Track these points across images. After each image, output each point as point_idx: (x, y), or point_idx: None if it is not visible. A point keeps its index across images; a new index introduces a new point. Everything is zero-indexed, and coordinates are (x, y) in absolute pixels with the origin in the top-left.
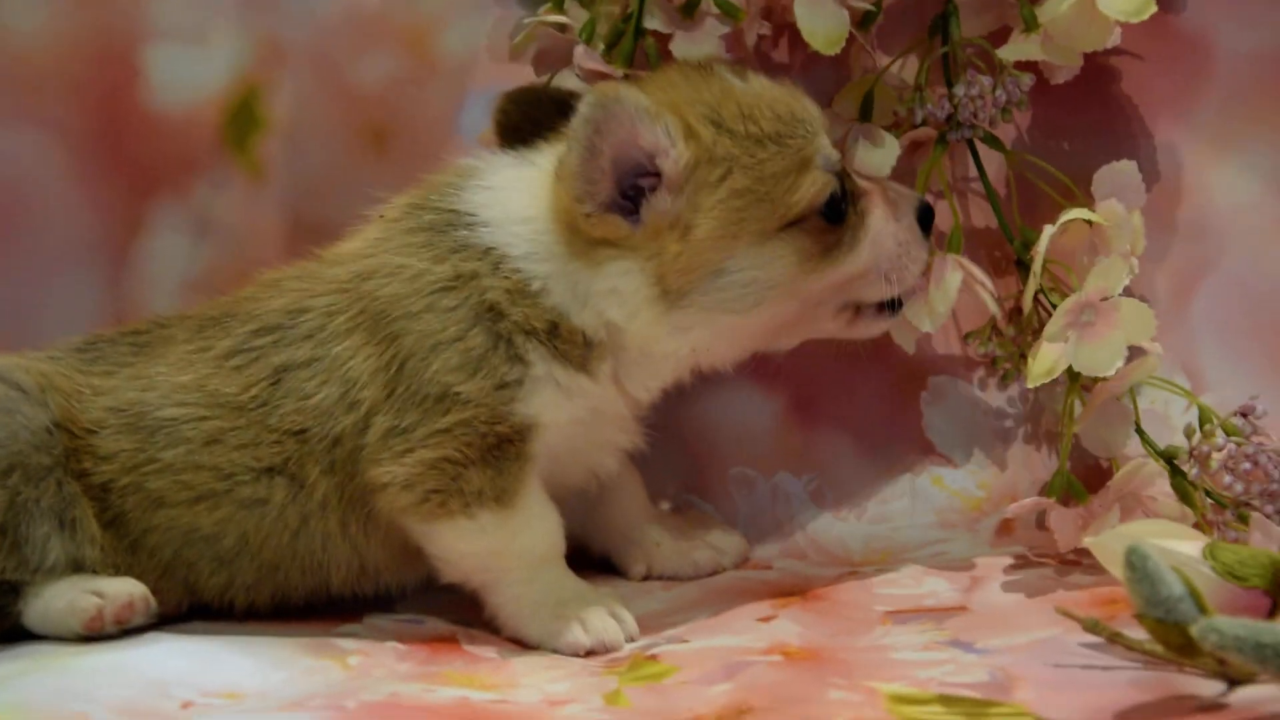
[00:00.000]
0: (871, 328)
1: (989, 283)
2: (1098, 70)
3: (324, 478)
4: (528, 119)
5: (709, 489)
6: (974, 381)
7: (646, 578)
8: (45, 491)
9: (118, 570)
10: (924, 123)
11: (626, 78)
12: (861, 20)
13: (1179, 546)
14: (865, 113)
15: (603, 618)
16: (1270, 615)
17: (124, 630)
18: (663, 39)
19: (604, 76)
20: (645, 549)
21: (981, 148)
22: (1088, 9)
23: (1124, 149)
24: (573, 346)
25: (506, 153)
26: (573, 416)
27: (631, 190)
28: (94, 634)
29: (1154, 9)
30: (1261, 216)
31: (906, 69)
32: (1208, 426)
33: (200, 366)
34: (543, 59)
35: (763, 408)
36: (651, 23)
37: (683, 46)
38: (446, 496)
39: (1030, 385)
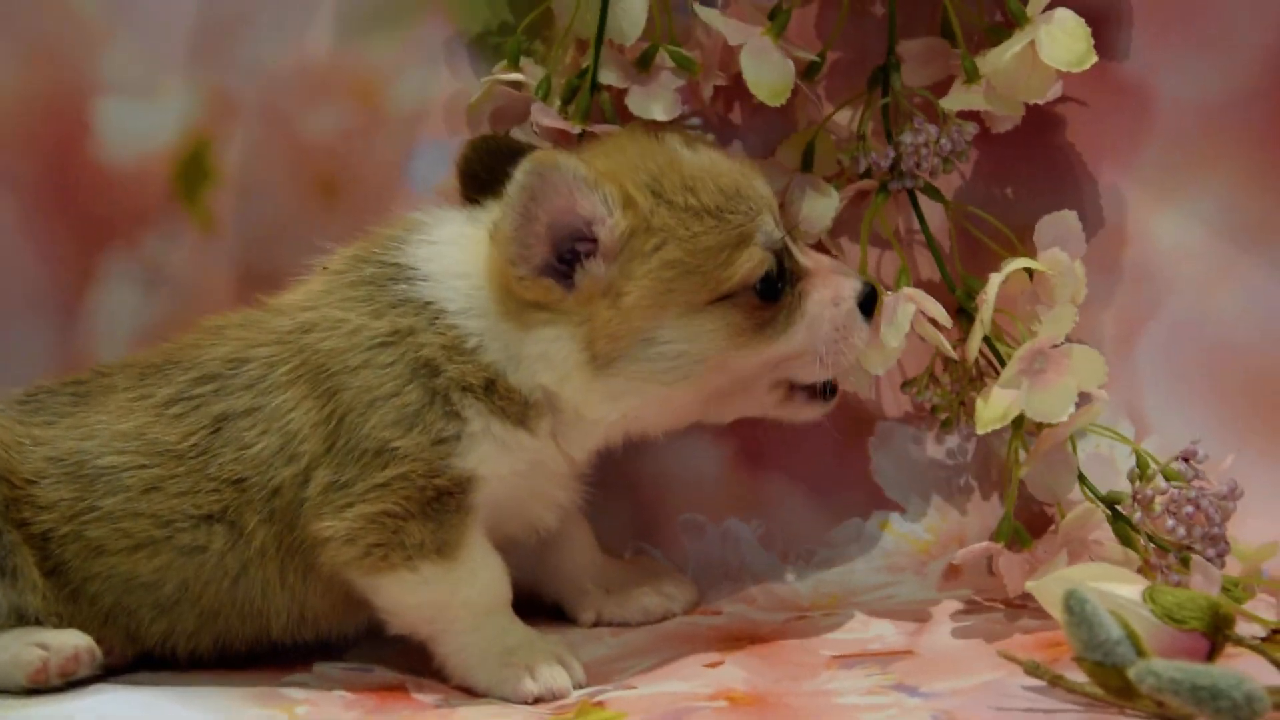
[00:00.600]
0: (802, 412)
1: (942, 313)
2: (1040, 118)
3: (262, 526)
4: (488, 167)
5: (658, 535)
6: (921, 427)
7: (596, 624)
8: None
9: (60, 618)
10: (866, 172)
11: (583, 134)
12: (805, 70)
13: (1118, 590)
14: (807, 163)
15: (550, 665)
16: (1208, 658)
17: (68, 682)
18: (619, 94)
19: (562, 133)
20: (594, 596)
21: (922, 199)
22: (1029, 60)
23: (1067, 196)
24: (510, 403)
25: (454, 208)
26: (512, 468)
27: (568, 255)
28: (38, 686)
29: (1094, 59)
30: (1205, 262)
31: (850, 120)
32: (1149, 470)
33: (140, 414)
34: (499, 117)
35: (712, 454)
36: (607, 77)
37: (638, 101)
38: (388, 550)
39: (980, 431)
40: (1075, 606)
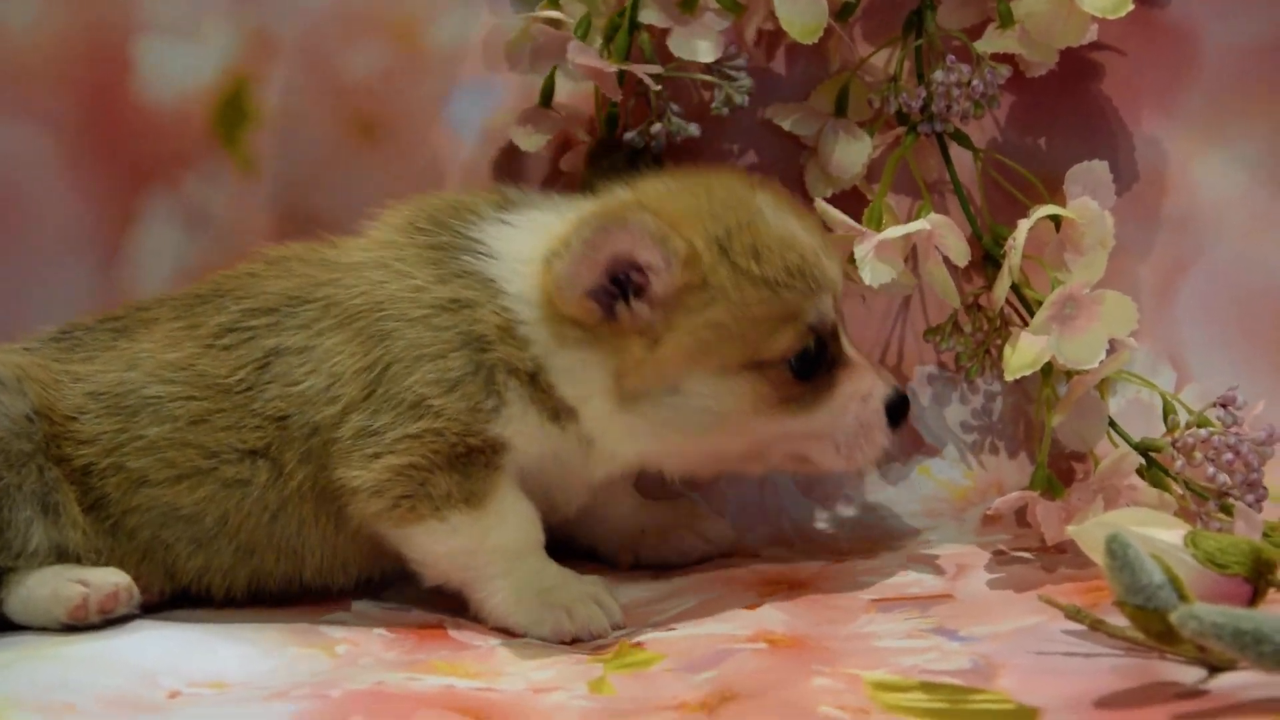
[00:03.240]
0: (819, 471)
1: (962, 248)
2: (1078, 64)
3: (300, 466)
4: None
5: (697, 479)
6: (960, 372)
7: (634, 567)
8: (26, 477)
9: (98, 555)
10: (897, 113)
11: (621, 74)
12: (840, 11)
13: (1160, 534)
14: (841, 108)
15: (588, 605)
16: (1250, 602)
17: (107, 620)
18: (660, 34)
19: (599, 72)
20: (632, 538)
21: (952, 147)
22: (1065, 4)
23: (1105, 143)
24: (549, 399)
25: (544, 194)
26: (541, 453)
27: (620, 282)
28: (77, 623)
29: (1131, 5)
30: (1247, 209)
31: (886, 64)
32: (1189, 418)
33: (188, 344)
34: (538, 54)
35: None
36: (648, 17)
37: (680, 42)
38: (415, 501)
39: (1009, 378)
40: (1117, 551)
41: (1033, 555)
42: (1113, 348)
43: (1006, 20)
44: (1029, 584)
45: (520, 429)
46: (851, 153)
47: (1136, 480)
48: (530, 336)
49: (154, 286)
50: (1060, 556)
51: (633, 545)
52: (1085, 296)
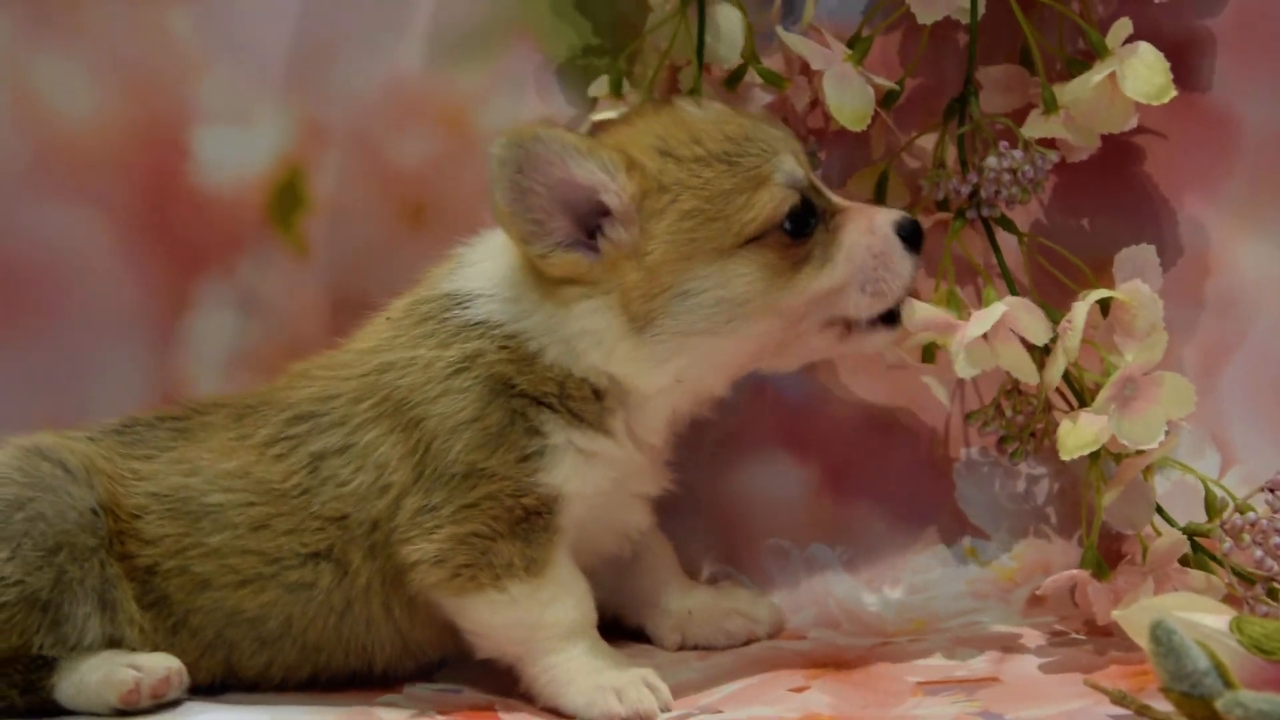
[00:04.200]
0: (865, 343)
1: (1041, 326)
2: (1120, 149)
3: (366, 562)
4: None
5: (744, 560)
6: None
7: (681, 648)
8: (89, 572)
9: (156, 650)
10: (944, 200)
11: None
12: (884, 99)
13: (1205, 620)
14: (880, 194)
15: (638, 687)
16: None
17: (158, 704)
18: None
19: None
20: (679, 619)
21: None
22: (1108, 91)
23: (1148, 226)
24: (585, 404)
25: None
26: (597, 487)
27: (594, 228)
28: (129, 708)
29: (1174, 93)
30: None
31: (933, 148)
32: (1218, 504)
33: (243, 454)
34: None
35: (796, 479)
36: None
37: None
38: (477, 570)
39: (1065, 457)
40: (1162, 636)
41: (1079, 638)
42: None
43: (1051, 106)
44: (1075, 668)
45: (571, 469)
46: None
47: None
48: (541, 347)
49: (208, 370)
50: (1107, 640)
51: (680, 626)
52: (1144, 378)
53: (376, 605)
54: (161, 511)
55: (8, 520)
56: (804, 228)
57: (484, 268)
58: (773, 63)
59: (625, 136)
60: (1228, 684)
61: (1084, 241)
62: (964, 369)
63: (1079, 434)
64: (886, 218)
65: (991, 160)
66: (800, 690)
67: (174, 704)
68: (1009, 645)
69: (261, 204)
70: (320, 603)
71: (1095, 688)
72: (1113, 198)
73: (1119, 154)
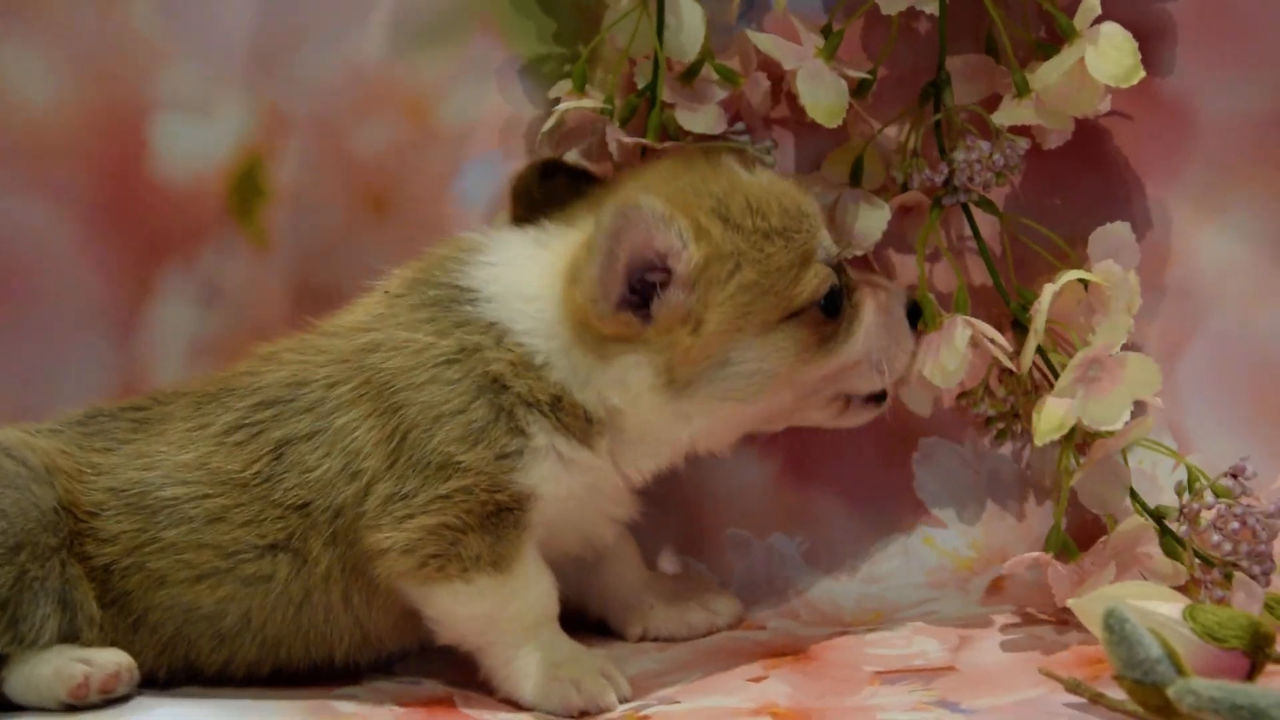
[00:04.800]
0: (859, 417)
1: (1000, 337)
2: (1087, 134)
3: (326, 550)
4: (543, 189)
5: (704, 550)
6: (964, 442)
7: (642, 639)
8: (50, 572)
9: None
10: (919, 188)
11: (645, 151)
12: (857, 88)
13: (1158, 608)
14: (856, 178)
15: (595, 679)
16: (1248, 677)
17: (107, 699)
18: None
19: (633, 150)
20: (641, 611)
21: (975, 211)
22: (1078, 74)
23: (1115, 210)
24: (575, 419)
25: (510, 230)
26: (570, 491)
27: (640, 286)
28: (78, 702)
29: (1142, 74)
30: (1248, 278)
31: (900, 134)
32: (1197, 486)
33: (201, 444)
34: (566, 138)
35: (757, 470)
36: (666, 95)
37: (686, 116)
38: (445, 561)
39: (1038, 443)
40: (1115, 624)
41: (1037, 627)
42: (1135, 410)
43: (1022, 90)
44: (1031, 656)
45: (547, 471)
46: (871, 221)
47: (1153, 549)
48: (551, 364)
49: (170, 360)
50: (1064, 628)
51: (642, 618)
52: (1109, 359)
53: (336, 594)
54: (119, 507)
55: None
56: (837, 307)
57: (509, 274)
58: (728, 57)
59: (680, 194)
60: (1180, 671)
61: (1054, 225)
62: (940, 381)
63: (1048, 417)
64: (899, 299)
65: (960, 154)
66: (758, 680)
67: (124, 699)
68: (966, 634)
69: (222, 193)
70: (278, 595)
71: (1050, 675)
72: (1080, 182)
73: (1084, 139)
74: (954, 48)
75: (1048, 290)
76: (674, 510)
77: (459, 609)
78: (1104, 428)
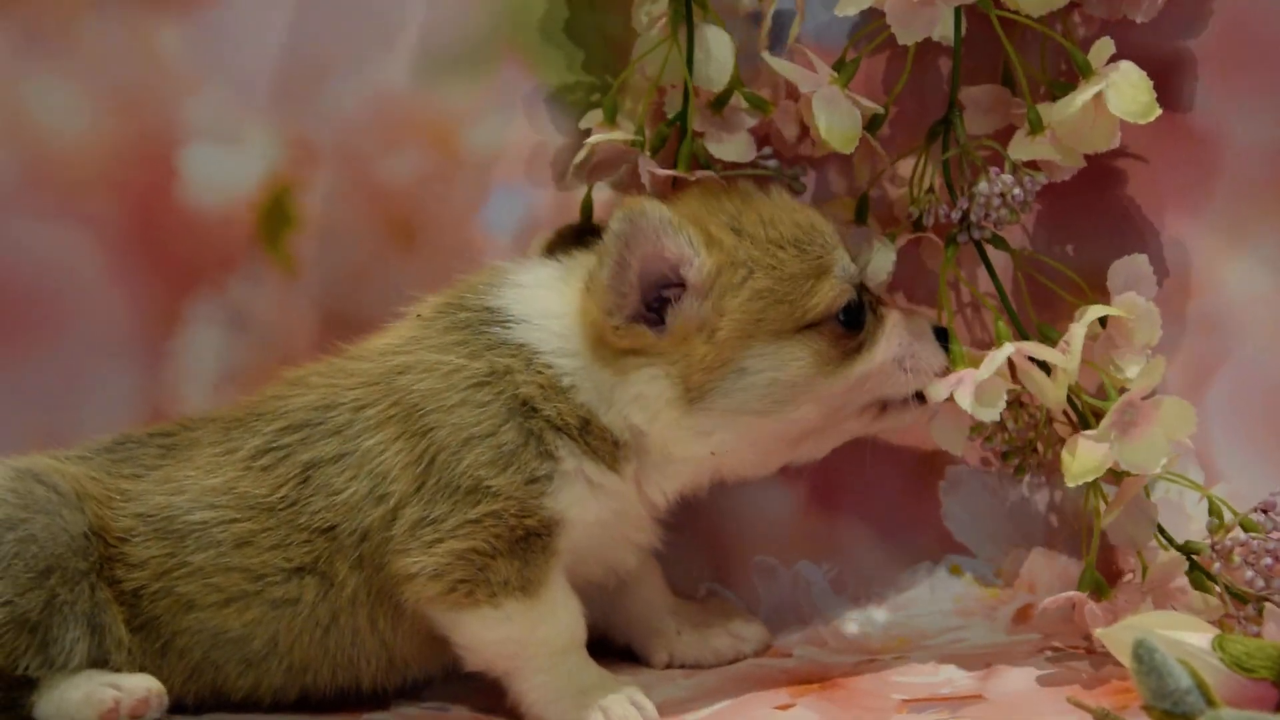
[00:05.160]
0: (901, 418)
1: (1051, 351)
2: (1104, 168)
3: (353, 573)
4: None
5: (731, 577)
6: (991, 470)
7: (669, 665)
8: (80, 596)
9: (144, 673)
10: (932, 225)
11: (675, 182)
12: (869, 122)
13: (1187, 638)
14: (861, 215)
15: (623, 705)
16: (1277, 707)
17: None
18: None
19: (667, 182)
20: (667, 638)
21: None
22: (1093, 111)
23: (1132, 245)
24: (603, 443)
25: (536, 257)
26: (598, 516)
27: (655, 300)
28: None
29: (1159, 111)
30: (1274, 309)
31: (914, 172)
32: (1227, 520)
33: (228, 469)
34: (596, 170)
35: (784, 497)
36: (697, 124)
37: (716, 145)
38: (474, 586)
39: (1070, 484)
40: (1144, 654)
41: (1065, 656)
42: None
43: (1036, 126)
44: (1059, 684)
45: (576, 496)
46: (879, 260)
47: (1187, 584)
48: (577, 385)
49: (199, 387)
50: (1093, 658)
51: (668, 644)
52: (1144, 402)
53: (362, 618)
54: (147, 533)
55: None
56: (858, 322)
57: (537, 296)
58: (758, 86)
59: (694, 209)
60: (1210, 702)
61: (1070, 261)
62: (982, 412)
63: (1082, 460)
64: (923, 317)
65: (982, 185)
66: (786, 708)
67: None
68: (994, 663)
69: (251, 222)
70: (305, 618)
71: (1078, 704)
72: (1099, 217)
73: (1102, 174)
74: (970, 81)
75: (1076, 328)
76: (701, 538)
77: (487, 634)
78: (1144, 470)
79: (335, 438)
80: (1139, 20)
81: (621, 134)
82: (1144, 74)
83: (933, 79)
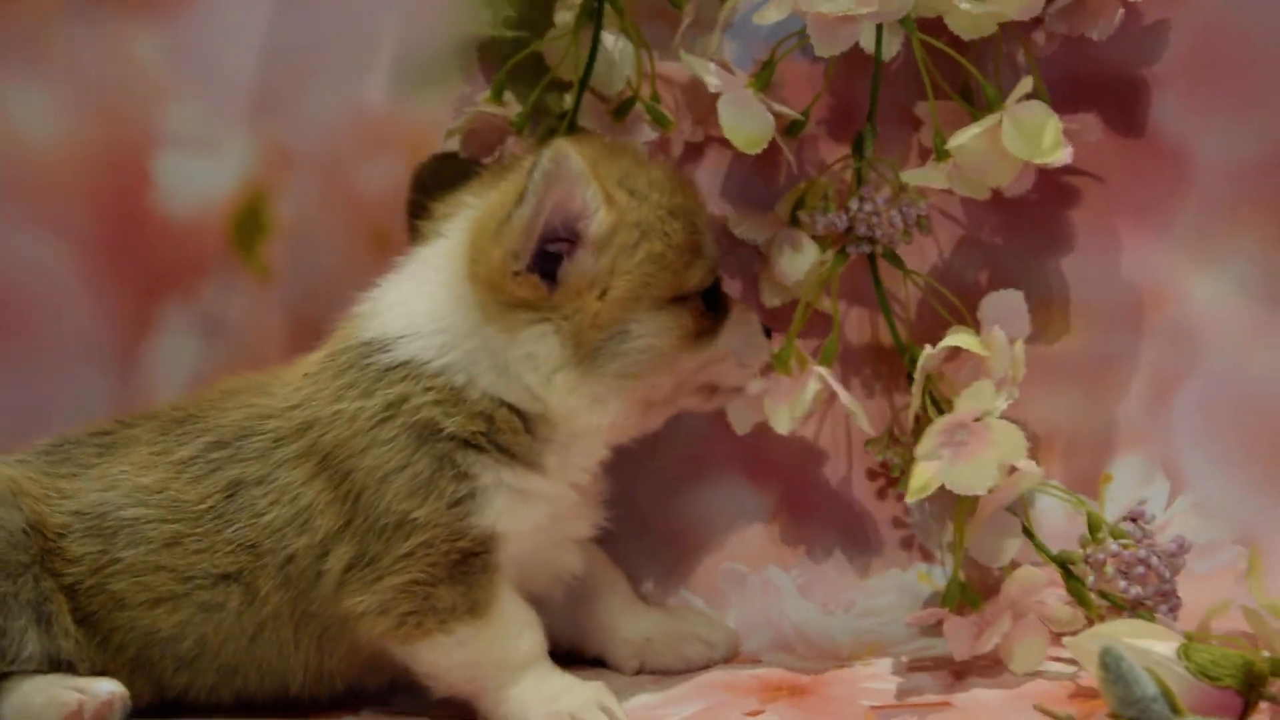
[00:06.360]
0: (727, 400)
1: (850, 400)
2: (1071, 181)
3: (276, 591)
4: (438, 185)
5: (700, 584)
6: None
7: (639, 672)
8: (23, 587)
9: (91, 664)
10: (822, 231)
11: None
12: (788, 127)
13: (1153, 646)
14: (795, 218)
15: (593, 711)
16: (1241, 715)
17: None
18: None
19: None
20: (636, 645)
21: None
22: (995, 145)
23: (1101, 257)
24: (515, 437)
25: (391, 270)
26: (533, 524)
27: (541, 256)
28: None
29: (1061, 155)
30: (1239, 323)
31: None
32: (1099, 534)
33: (160, 470)
34: (471, 139)
35: (753, 503)
36: (585, 122)
37: None
38: (422, 617)
39: (909, 500)
40: (1111, 663)
41: None
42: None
43: (941, 154)
44: (1028, 693)
45: (502, 507)
46: (795, 262)
47: (1046, 595)
48: (470, 377)
49: (171, 393)
50: (1058, 662)
51: (639, 652)
52: (975, 425)
53: (286, 633)
54: (82, 530)
55: None
56: (716, 304)
57: (403, 308)
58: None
59: (590, 162)
60: (1175, 710)
61: (1035, 278)
62: (783, 427)
63: (917, 478)
64: (752, 313)
65: (853, 203)
66: (755, 714)
67: None
68: (962, 670)
69: (225, 229)
70: (231, 624)
71: (1045, 713)
72: (1061, 231)
73: (1068, 188)
74: (938, 95)
75: (925, 353)
76: (669, 544)
77: (444, 660)
78: (971, 491)
79: (258, 461)
80: (1095, 38)
81: (500, 108)
82: (1053, 115)
83: (895, 87)
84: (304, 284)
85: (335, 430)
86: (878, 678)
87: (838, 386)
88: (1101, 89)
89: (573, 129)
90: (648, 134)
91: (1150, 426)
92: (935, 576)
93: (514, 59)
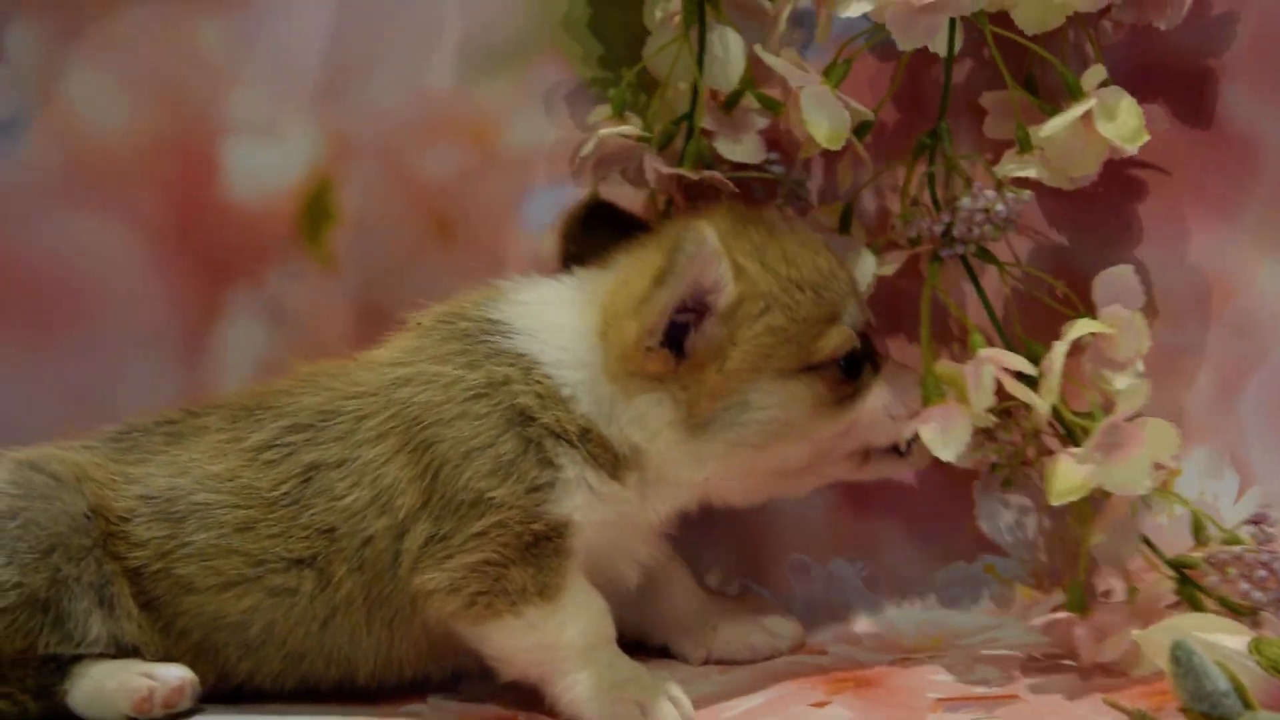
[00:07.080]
0: (882, 469)
1: (1023, 362)
2: (1141, 172)
3: (351, 575)
4: (590, 229)
5: (766, 575)
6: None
7: (705, 662)
8: (85, 569)
9: (154, 649)
10: (917, 238)
11: (680, 180)
12: (858, 128)
13: (1224, 641)
14: (845, 225)
15: (660, 701)
16: None
17: (170, 715)
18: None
19: (671, 180)
20: (703, 634)
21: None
22: (1083, 133)
23: (1170, 248)
24: (604, 452)
25: (537, 275)
26: (604, 518)
27: (671, 327)
28: (141, 716)
29: (1147, 137)
30: None
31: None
32: (1205, 535)
33: (232, 458)
34: (600, 165)
35: (818, 496)
36: (705, 123)
37: (726, 145)
38: (492, 598)
39: (1054, 503)
40: (1182, 657)
41: None
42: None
43: (1025, 145)
44: (1095, 686)
45: (580, 500)
46: (860, 270)
47: (1170, 599)
48: (577, 397)
49: (237, 380)
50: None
51: (705, 641)
52: (1127, 424)
53: (358, 617)
54: (149, 514)
55: (2, 530)
56: (857, 370)
57: (539, 310)
58: (770, 87)
59: (720, 234)
60: (1247, 704)
61: (1103, 270)
62: (948, 455)
63: (1065, 480)
64: (913, 372)
65: (965, 201)
66: (821, 705)
67: (187, 714)
68: (1028, 662)
69: (290, 216)
70: (303, 609)
71: (1115, 706)
72: (1129, 223)
73: (1134, 180)
74: (999, 84)
75: (1058, 347)
76: (736, 536)
77: (513, 643)
78: (1128, 492)
79: (338, 443)
80: (1163, 27)
81: (629, 129)
82: (1133, 99)
83: (931, 87)
84: (368, 272)
85: (429, 392)
86: (944, 670)
87: (1009, 355)
88: (1168, 79)
89: (691, 129)
90: (759, 124)
91: (1219, 419)
92: (1001, 569)
93: (633, 70)
